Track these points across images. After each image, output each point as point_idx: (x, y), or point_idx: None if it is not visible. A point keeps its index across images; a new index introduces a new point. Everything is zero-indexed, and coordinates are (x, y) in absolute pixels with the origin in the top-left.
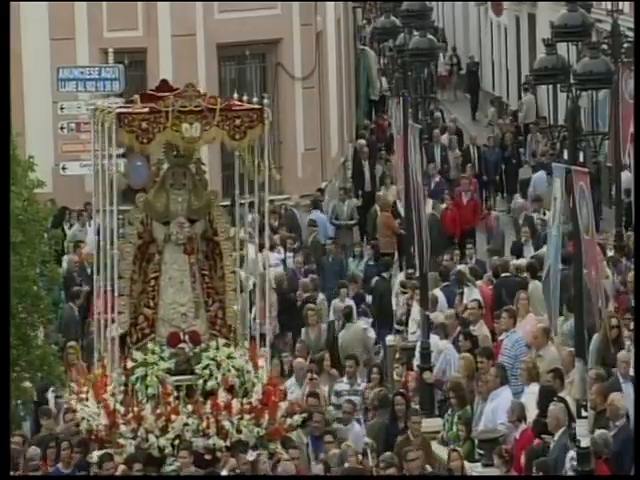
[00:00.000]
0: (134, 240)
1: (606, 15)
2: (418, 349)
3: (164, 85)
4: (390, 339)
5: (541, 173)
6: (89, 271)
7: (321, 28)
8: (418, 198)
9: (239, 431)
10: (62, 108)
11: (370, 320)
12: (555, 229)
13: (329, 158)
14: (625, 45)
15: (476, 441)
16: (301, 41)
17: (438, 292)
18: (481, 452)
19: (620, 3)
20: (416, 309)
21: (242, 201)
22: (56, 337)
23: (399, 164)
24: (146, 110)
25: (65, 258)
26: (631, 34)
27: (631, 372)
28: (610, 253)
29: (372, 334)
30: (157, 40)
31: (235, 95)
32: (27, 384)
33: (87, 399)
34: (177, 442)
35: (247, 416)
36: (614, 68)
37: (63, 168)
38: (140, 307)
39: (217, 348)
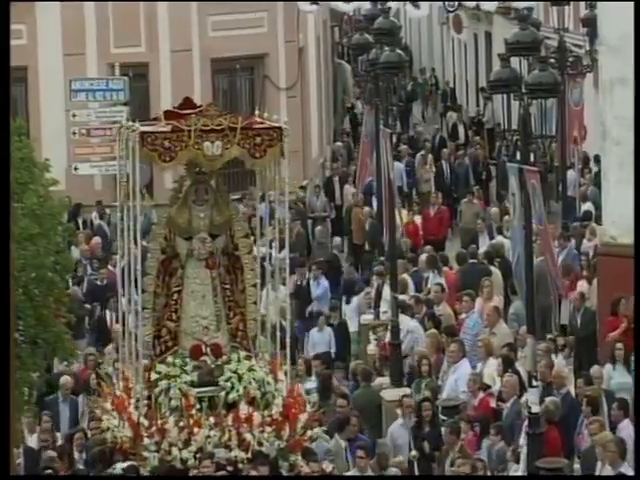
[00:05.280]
0: (157, 255)
1: (553, 32)
2: (389, 327)
3: (187, 102)
4: (364, 318)
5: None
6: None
7: (303, 44)
8: (391, 194)
9: (260, 443)
10: (74, 115)
11: None
12: (516, 221)
13: (310, 159)
14: (570, 59)
15: (439, 407)
16: (285, 56)
17: (407, 276)
18: (444, 418)
19: (566, 21)
20: (387, 291)
21: (235, 197)
22: (69, 317)
23: (363, 164)
24: (168, 129)
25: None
26: (575, 49)
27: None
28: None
29: None
30: (158, 55)
31: (257, 112)
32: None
33: (113, 409)
34: (199, 455)
35: (268, 428)
36: (561, 79)
37: (75, 169)
38: (163, 320)
39: (238, 360)
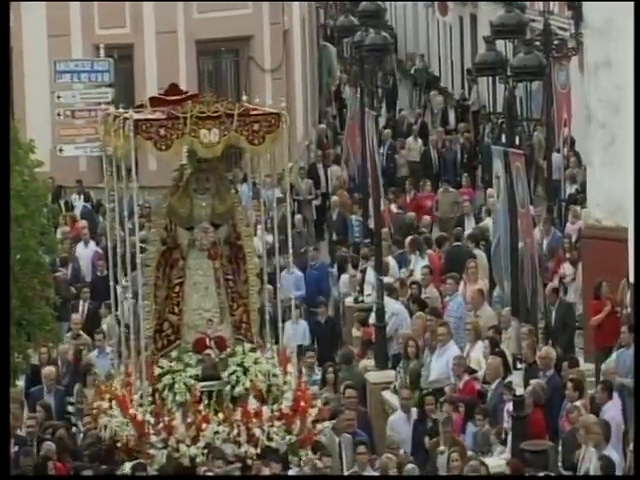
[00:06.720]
0: (158, 246)
1: (538, 15)
2: (374, 309)
3: (173, 89)
4: (348, 300)
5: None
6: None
7: (288, 26)
8: (375, 175)
9: (270, 438)
10: (59, 97)
11: None
12: (500, 204)
13: (295, 141)
14: (555, 42)
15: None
16: (270, 38)
17: (390, 259)
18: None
19: (550, 4)
20: (371, 274)
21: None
22: (54, 298)
23: (349, 145)
24: (164, 116)
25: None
26: (560, 32)
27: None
28: (540, 224)
29: None
30: (143, 37)
31: (244, 97)
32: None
33: (111, 407)
34: (207, 451)
35: (277, 423)
36: (546, 62)
37: (60, 150)
38: (165, 313)
39: (244, 353)
